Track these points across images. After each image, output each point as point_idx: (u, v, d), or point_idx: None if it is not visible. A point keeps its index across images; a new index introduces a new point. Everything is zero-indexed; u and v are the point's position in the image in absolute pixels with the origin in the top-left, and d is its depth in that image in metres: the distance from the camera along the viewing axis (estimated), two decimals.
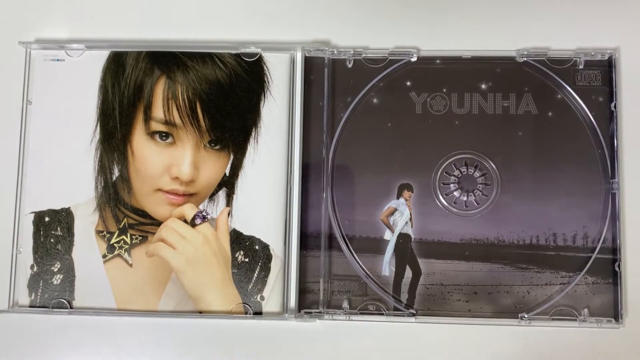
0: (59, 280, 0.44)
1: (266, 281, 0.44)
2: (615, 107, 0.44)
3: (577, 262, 0.43)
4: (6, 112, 0.46)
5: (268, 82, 0.45)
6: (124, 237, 0.44)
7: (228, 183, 0.44)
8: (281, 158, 0.45)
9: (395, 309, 0.43)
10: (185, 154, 0.44)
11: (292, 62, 0.45)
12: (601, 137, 0.44)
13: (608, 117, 0.44)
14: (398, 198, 0.44)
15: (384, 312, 0.43)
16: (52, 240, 0.44)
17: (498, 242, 0.44)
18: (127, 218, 0.44)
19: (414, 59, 0.45)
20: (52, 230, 0.45)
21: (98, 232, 0.44)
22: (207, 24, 0.47)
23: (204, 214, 0.44)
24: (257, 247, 0.44)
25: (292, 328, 0.44)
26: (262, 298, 0.44)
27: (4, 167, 0.45)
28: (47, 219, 0.45)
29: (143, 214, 0.44)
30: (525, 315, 0.43)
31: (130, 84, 0.45)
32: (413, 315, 0.43)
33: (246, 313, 0.43)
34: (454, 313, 0.43)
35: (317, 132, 0.45)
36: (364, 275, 0.44)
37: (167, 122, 0.44)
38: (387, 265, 0.44)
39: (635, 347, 0.43)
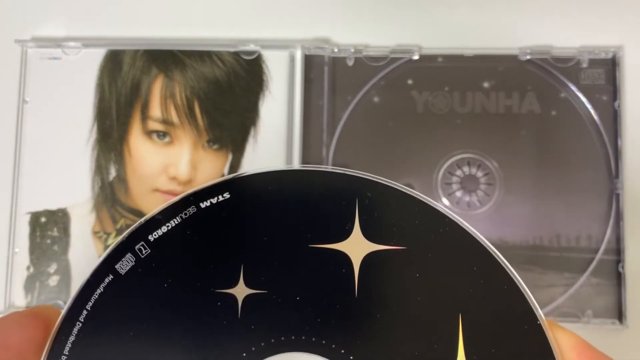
0: (56, 282, 0.44)
1: None
2: (619, 105, 0.44)
3: (581, 263, 0.43)
4: (2, 111, 0.45)
5: (267, 80, 0.45)
6: None
7: None
8: (280, 157, 0.44)
9: None
10: (183, 153, 0.43)
11: (292, 60, 0.45)
12: (605, 137, 0.44)
13: (612, 115, 0.44)
14: None
15: None
16: (48, 241, 0.44)
17: (501, 243, 0.43)
18: (124, 219, 0.44)
19: (415, 57, 0.44)
20: (49, 231, 0.44)
21: (95, 232, 0.44)
22: (205, 22, 0.46)
23: None
24: None
25: None
26: None
27: None
28: (43, 219, 0.44)
29: (140, 214, 0.44)
30: None
31: (127, 83, 0.44)
32: None
33: None
34: None
35: (317, 131, 0.44)
36: None
37: (165, 121, 0.43)
38: None
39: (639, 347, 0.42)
